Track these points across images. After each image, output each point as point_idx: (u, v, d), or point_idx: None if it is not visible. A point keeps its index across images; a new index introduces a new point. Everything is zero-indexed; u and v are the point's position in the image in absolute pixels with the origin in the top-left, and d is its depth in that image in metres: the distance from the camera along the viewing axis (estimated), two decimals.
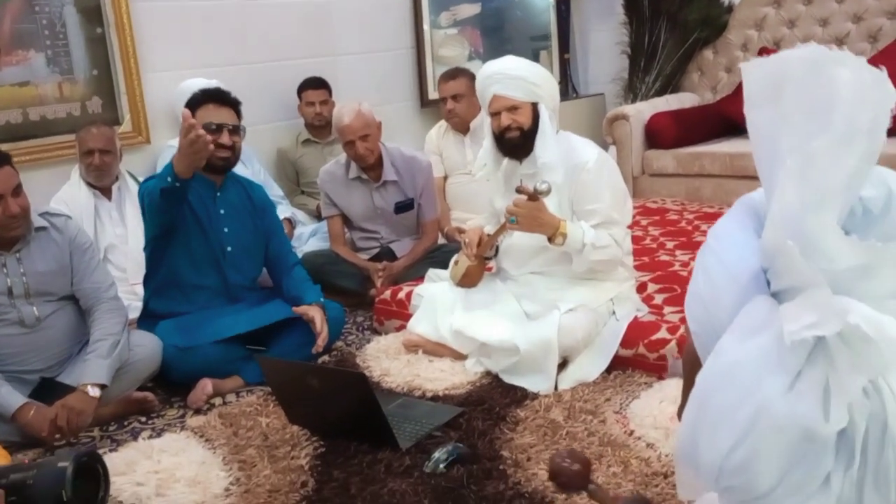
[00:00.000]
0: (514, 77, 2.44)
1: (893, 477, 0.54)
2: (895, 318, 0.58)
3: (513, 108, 2.43)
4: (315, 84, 4.23)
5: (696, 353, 0.79)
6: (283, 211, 3.91)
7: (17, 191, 2.29)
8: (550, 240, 2.39)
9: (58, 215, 2.50)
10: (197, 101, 2.67)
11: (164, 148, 3.85)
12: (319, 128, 4.25)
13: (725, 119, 4.32)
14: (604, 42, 5.01)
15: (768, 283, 0.65)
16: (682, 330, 2.35)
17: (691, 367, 0.81)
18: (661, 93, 4.66)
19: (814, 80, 0.70)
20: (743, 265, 0.69)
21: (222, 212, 2.70)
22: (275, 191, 4.05)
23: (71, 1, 3.59)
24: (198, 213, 2.64)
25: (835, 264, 0.59)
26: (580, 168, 2.44)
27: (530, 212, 2.34)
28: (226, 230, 2.70)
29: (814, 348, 0.58)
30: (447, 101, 3.73)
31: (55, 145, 3.51)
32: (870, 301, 0.59)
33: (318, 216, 4.19)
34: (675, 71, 4.69)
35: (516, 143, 2.45)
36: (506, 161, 2.56)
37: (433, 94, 5.20)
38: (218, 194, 2.70)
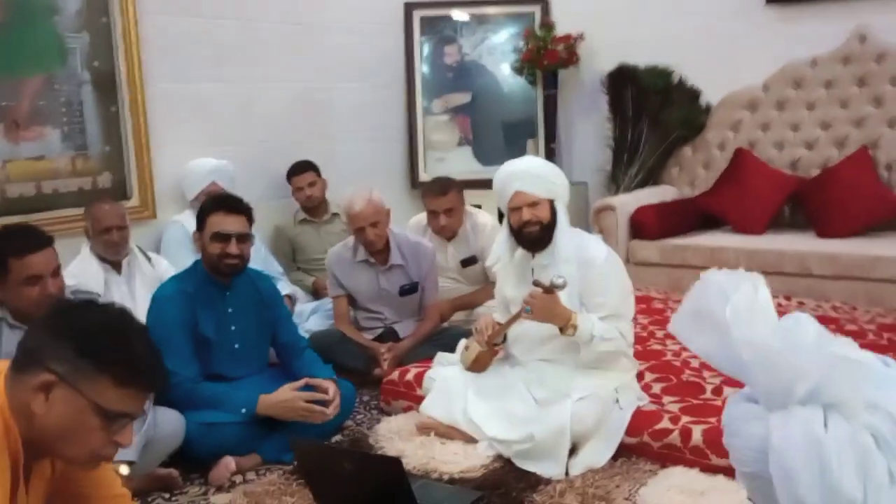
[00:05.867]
0: (536, 175, 2.63)
1: None
2: None
3: (533, 204, 2.60)
4: (300, 169, 4.36)
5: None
6: (283, 287, 4.00)
7: (56, 272, 2.39)
8: (562, 330, 2.55)
9: (88, 293, 2.59)
10: (209, 209, 2.74)
11: (169, 224, 3.96)
12: (314, 209, 4.39)
13: (704, 213, 4.58)
14: (588, 135, 5.28)
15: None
16: (685, 420, 2.50)
17: None
18: (642, 185, 4.91)
19: (706, 296, 1.09)
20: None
21: (230, 310, 2.77)
22: (274, 266, 4.16)
23: (89, 80, 3.73)
24: (206, 324, 2.70)
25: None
26: (591, 263, 2.61)
27: (545, 304, 2.50)
28: (233, 328, 2.78)
29: (823, 409, 0.94)
30: (439, 216, 3.66)
31: (66, 218, 3.59)
32: None
33: (314, 292, 4.29)
34: (655, 165, 4.95)
35: (535, 237, 2.62)
36: (519, 252, 2.72)
37: (423, 177, 5.41)
38: (227, 293, 2.78)
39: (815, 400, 0.94)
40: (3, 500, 1.24)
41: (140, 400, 1.36)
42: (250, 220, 2.79)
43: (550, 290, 2.48)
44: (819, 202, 4.33)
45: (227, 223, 2.69)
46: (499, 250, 2.75)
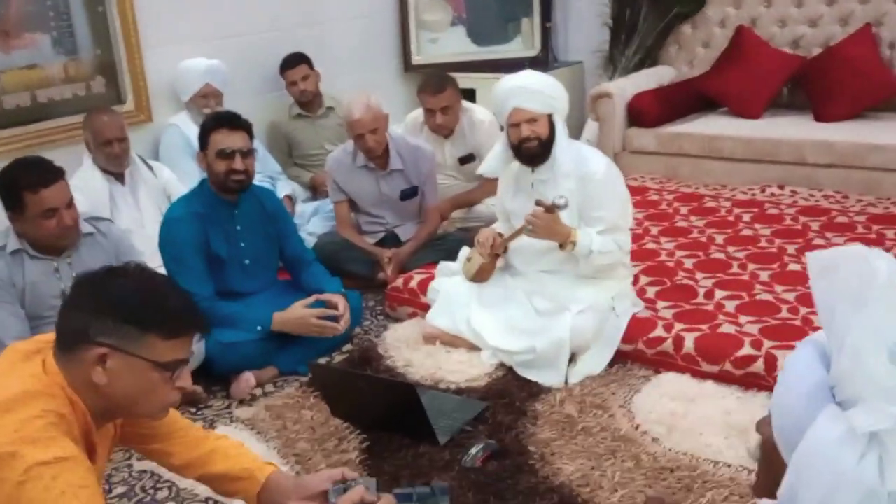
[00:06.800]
0: (534, 91, 2.63)
1: None
2: None
3: (532, 120, 2.62)
4: (292, 62, 4.29)
5: (773, 440, 1.08)
6: (283, 188, 4.06)
7: (70, 203, 2.45)
8: (562, 246, 2.64)
9: (101, 220, 2.66)
10: (210, 126, 2.78)
11: (165, 128, 3.94)
12: (308, 103, 4.35)
13: (702, 96, 4.57)
14: (585, 13, 5.15)
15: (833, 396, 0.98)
16: (678, 328, 2.64)
17: (767, 451, 1.10)
18: (640, 65, 4.85)
19: (859, 266, 0.99)
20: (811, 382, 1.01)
21: (239, 228, 2.86)
22: (272, 165, 4.18)
23: None
24: (217, 243, 2.78)
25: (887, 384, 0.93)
26: (590, 178, 2.66)
27: (547, 223, 2.58)
28: (243, 245, 2.87)
29: (870, 438, 0.93)
30: (436, 114, 3.64)
31: (63, 127, 3.59)
32: None
33: (312, 189, 4.35)
34: (654, 45, 4.87)
35: (535, 152, 2.66)
36: (516, 164, 2.77)
37: (416, 59, 5.32)
38: (235, 211, 2.85)
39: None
40: (90, 467, 1.36)
41: (188, 343, 1.46)
42: (251, 135, 2.83)
43: (552, 209, 2.55)
44: (819, 83, 4.31)
45: (231, 140, 2.74)
46: (492, 161, 2.80)
